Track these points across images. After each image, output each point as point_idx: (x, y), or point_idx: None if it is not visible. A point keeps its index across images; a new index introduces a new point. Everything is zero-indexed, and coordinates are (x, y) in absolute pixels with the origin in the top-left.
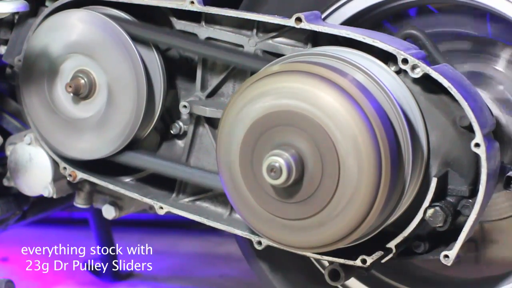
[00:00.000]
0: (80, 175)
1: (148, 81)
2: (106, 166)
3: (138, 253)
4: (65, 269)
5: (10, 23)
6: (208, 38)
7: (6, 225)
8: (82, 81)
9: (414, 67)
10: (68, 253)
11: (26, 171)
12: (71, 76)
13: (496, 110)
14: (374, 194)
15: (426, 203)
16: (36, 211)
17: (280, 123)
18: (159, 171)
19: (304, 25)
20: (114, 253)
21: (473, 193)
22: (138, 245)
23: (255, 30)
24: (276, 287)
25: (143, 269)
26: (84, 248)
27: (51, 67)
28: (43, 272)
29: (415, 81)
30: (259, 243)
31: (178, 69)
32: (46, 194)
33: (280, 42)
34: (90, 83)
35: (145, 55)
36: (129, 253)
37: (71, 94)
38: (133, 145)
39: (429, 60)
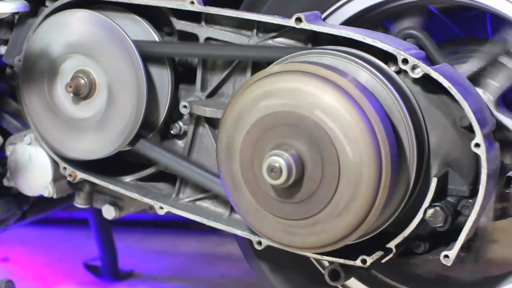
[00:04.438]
0: (80, 175)
1: (148, 81)
2: (106, 166)
3: (138, 253)
4: (65, 269)
5: (10, 23)
6: (208, 38)
7: (6, 225)
8: (82, 81)
9: (414, 67)
10: (68, 253)
11: (26, 171)
12: (71, 76)
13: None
14: (374, 194)
15: (426, 203)
16: (36, 211)
17: (280, 123)
18: (171, 166)
19: (304, 25)
20: (114, 253)
21: (473, 193)
22: (138, 245)
23: (255, 30)
24: (276, 287)
25: (143, 269)
26: (84, 248)
27: (51, 67)
28: (43, 272)
29: (415, 81)
30: (259, 243)
31: (178, 69)
32: (46, 194)
33: (280, 42)
34: (90, 83)
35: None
36: (129, 253)
37: (71, 94)
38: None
39: (429, 60)
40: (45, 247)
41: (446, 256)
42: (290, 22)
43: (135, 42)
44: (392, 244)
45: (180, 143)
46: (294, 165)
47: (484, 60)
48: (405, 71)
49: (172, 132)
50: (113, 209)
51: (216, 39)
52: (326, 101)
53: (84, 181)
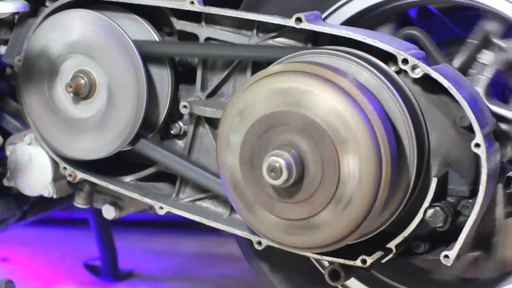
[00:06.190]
0: (80, 175)
1: (149, 81)
2: (106, 166)
3: (138, 253)
4: (65, 269)
5: (10, 23)
6: (208, 38)
7: (6, 225)
8: (82, 81)
9: (414, 67)
10: (68, 253)
11: (26, 171)
12: (71, 76)
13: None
14: (374, 194)
15: (426, 203)
16: (36, 211)
17: (280, 123)
18: (171, 166)
19: (304, 25)
20: (114, 253)
21: (473, 193)
22: (138, 245)
23: (255, 30)
24: (276, 287)
25: (143, 269)
26: (84, 248)
27: (51, 67)
28: (43, 272)
29: (415, 81)
30: (259, 243)
31: (178, 69)
32: (46, 194)
33: (280, 42)
34: (90, 83)
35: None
36: (129, 253)
37: (71, 94)
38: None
39: (429, 60)
40: (45, 247)
41: (446, 256)
42: (290, 22)
43: (135, 42)
44: (392, 244)
45: (180, 143)
46: (294, 165)
47: (464, 57)
48: (405, 71)
49: (172, 132)
50: (113, 209)
51: (216, 39)
52: (326, 101)
53: (84, 181)
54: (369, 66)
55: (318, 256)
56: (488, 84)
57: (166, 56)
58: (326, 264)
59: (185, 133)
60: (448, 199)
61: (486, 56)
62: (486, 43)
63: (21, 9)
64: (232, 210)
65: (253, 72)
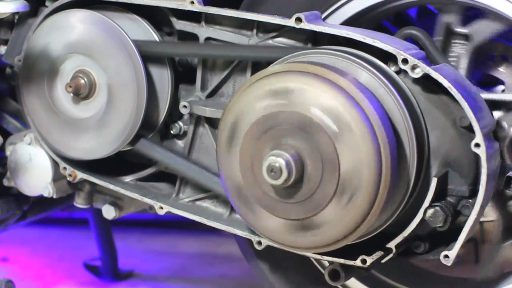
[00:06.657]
0: (80, 175)
1: (149, 81)
2: (106, 166)
3: (138, 253)
4: (65, 269)
5: (10, 23)
6: (208, 38)
7: (6, 225)
8: (82, 81)
9: (414, 67)
10: (68, 253)
11: (26, 171)
12: (71, 76)
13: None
14: (374, 194)
15: (426, 203)
16: (36, 211)
17: (280, 123)
18: (171, 166)
19: (304, 25)
20: (114, 253)
21: (473, 193)
22: (138, 245)
23: (255, 30)
24: (276, 287)
25: (143, 269)
26: (84, 248)
27: (51, 67)
28: (43, 272)
29: (415, 81)
30: (259, 243)
31: (178, 69)
32: (46, 194)
33: (280, 42)
34: (90, 83)
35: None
36: (129, 253)
37: (71, 94)
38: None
39: (429, 60)
40: (45, 247)
41: (446, 256)
42: (290, 22)
43: (135, 42)
44: (392, 244)
45: (180, 143)
46: (294, 165)
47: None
48: (405, 71)
49: (172, 132)
50: (113, 209)
51: (216, 39)
52: (326, 101)
53: (84, 181)
54: (369, 66)
55: (318, 256)
56: (467, 75)
57: (166, 56)
58: (326, 264)
59: (185, 133)
60: (448, 199)
61: (455, 48)
62: (451, 35)
63: (21, 9)
64: (232, 210)
65: (253, 72)
